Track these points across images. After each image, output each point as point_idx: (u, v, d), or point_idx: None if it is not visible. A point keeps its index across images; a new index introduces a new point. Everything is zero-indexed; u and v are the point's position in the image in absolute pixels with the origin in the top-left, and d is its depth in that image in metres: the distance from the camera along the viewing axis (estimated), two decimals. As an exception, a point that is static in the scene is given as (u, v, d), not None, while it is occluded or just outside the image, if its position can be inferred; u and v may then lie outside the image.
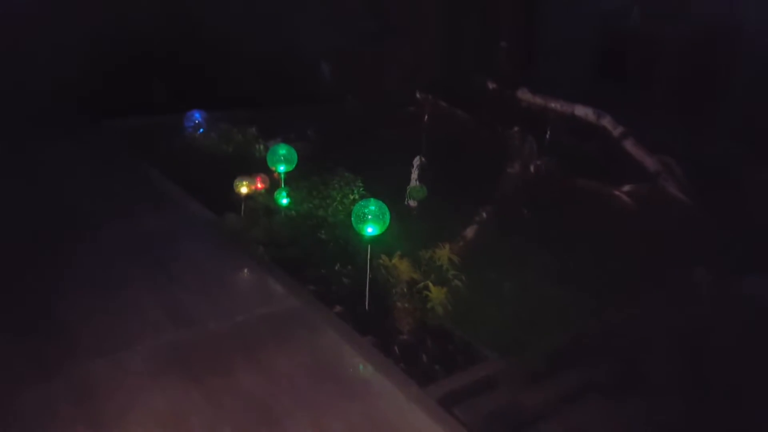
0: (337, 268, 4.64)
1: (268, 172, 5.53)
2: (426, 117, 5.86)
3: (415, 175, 5.65)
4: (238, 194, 5.36)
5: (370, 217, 4.05)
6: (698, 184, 5.41)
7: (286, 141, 6.12)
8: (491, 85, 6.70)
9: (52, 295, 4.05)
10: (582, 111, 6.14)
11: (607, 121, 5.99)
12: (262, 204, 5.36)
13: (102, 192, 6.02)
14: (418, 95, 6.08)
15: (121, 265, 4.54)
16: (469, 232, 4.76)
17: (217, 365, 3.42)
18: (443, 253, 4.11)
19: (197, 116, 6.96)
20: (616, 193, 5.38)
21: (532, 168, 5.41)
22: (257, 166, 5.73)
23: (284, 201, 5.42)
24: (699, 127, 7.06)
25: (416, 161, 5.69)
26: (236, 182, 5.37)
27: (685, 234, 4.97)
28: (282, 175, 5.46)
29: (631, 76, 8.39)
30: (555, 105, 6.41)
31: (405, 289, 3.92)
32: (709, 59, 7.37)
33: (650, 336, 4.05)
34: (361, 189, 5.53)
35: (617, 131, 5.90)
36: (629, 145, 5.84)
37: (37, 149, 7.11)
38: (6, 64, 7.53)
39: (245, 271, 4.70)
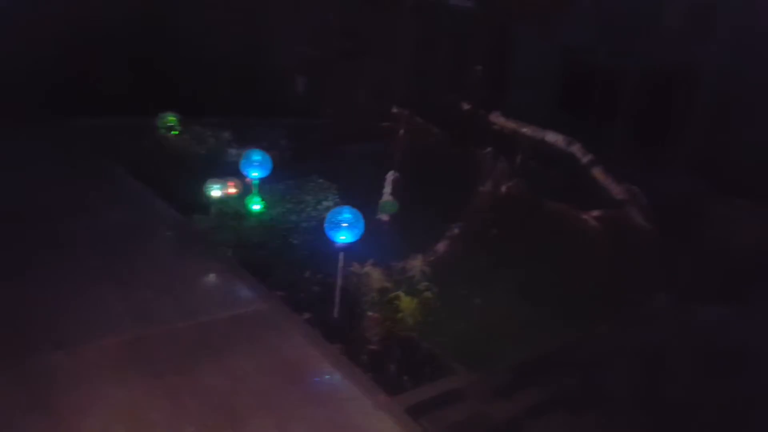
0: (307, 274, 4.59)
1: (240, 176, 5.47)
2: (401, 132, 5.92)
3: (388, 189, 5.68)
4: (209, 197, 5.26)
5: (344, 224, 4.04)
6: (662, 215, 5.63)
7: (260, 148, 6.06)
8: (465, 106, 6.85)
9: (11, 288, 3.85)
10: (553, 137, 6.33)
11: (576, 149, 6.18)
12: (233, 208, 5.28)
13: (65, 188, 5.80)
14: (394, 110, 6.16)
15: (82, 259, 4.37)
16: (441, 246, 4.80)
17: (180, 363, 3.31)
18: (416, 264, 4.12)
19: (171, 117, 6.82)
20: (584, 216, 5.53)
21: (503, 188, 5.52)
22: (229, 170, 5.65)
23: (256, 207, 5.35)
24: (662, 162, 7.40)
25: (390, 175, 5.73)
26: (208, 185, 5.29)
27: (648, 260, 5.15)
28: (255, 181, 5.41)
29: (596, 109, 8.74)
30: (526, 130, 6.58)
31: (376, 298, 3.90)
32: (672, 97, 7.79)
33: (611, 355, 4.17)
34: (335, 196, 5.52)
35: (586, 158, 6.09)
36: (597, 172, 6.04)
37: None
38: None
39: (212, 272, 4.59)
